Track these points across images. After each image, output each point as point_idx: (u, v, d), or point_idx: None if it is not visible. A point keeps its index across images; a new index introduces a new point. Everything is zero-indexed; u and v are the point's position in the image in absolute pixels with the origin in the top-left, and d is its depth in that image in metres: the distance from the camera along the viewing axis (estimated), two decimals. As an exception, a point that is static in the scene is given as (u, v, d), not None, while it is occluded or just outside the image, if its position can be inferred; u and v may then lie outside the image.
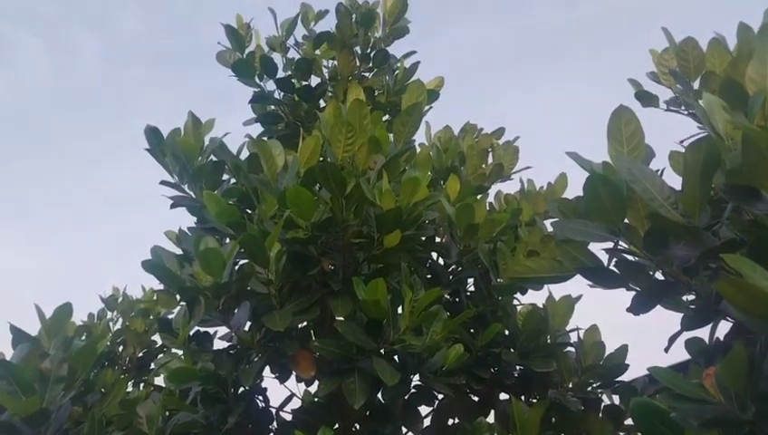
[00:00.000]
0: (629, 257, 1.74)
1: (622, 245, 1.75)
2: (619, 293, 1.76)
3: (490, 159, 3.62)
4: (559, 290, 2.89)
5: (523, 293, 2.98)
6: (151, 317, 4.33)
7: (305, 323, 2.66)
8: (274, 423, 2.81)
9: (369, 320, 2.26)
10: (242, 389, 2.60)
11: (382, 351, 2.35)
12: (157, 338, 4.24)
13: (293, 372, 2.66)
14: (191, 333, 2.25)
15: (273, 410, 2.77)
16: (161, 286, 2.95)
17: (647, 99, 2.44)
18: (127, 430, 2.45)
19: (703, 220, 1.56)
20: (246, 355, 2.42)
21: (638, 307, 1.65)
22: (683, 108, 2.39)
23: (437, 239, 3.09)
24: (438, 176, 3.18)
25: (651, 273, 1.70)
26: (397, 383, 2.37)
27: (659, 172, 1.86)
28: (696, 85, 2.25)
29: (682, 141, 2.34)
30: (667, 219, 1.52)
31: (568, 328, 2.73)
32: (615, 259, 1.77)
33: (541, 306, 2.73)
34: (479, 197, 3.04)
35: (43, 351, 2.41)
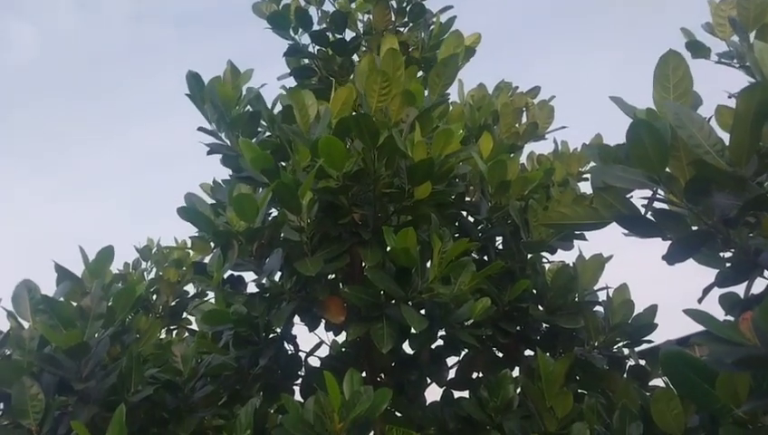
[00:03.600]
0: (668, 207, 1.71)
1: (661, 194, 1.72)
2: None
3: (524, 119, 3.56)
4: (589, 249, 2.87)
5: (553, 252, 2.96)
6: (184, 268, 4.45)
7: (334, 275, 2.71)
8: (303, 370, 2.90)
9: (398, 268, 2.29)
10: (273, 334, 2.68)
11: (410, 301, 2.38)
12: (190, 288, 4.37)
13: (322, 321, 2.72)
14: (225, 276, 2.31)
15: (302, 357, 2.84)
16: (195, 235, 3.04)
17: (698, 49, 2.35)
18: (162, 367, 2.55)
19: (749, 170, 1.52)
20: (278, 301, 2.47)
21: (673, 256, 1.63)
22: (735, 61, 2.30)
23: (467, 199, 3.08)
24: (471, 134, 3.15)
25: (689, 223, 1.67)
26: (423, 332, 2.41)
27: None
28: (752, 37, 2.16)
29: (731, 95, 2.26)
30: (712, 166, 1.48)
31: (597, 287, 2.72)
32: (653, 209, 1.75)
33: (570, 265, 2.72)
34: (512, 155, 3.01)
35: (84, 290, 2.52)
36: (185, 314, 4.31)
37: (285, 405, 2.14)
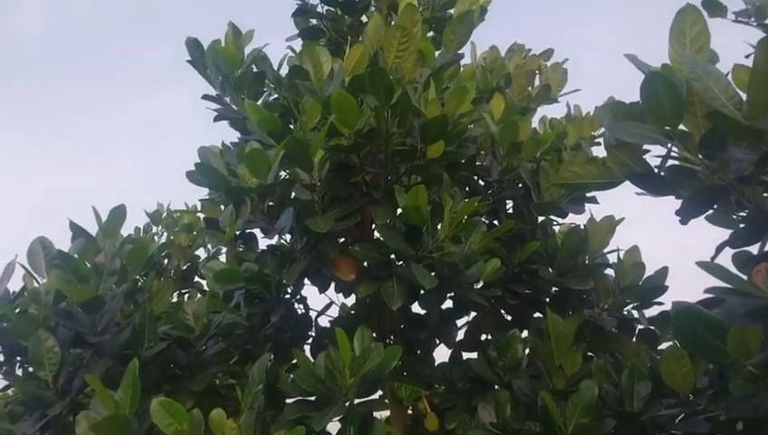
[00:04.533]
0: (681, 164, 1.69)
1: (675, 151, 1.70)
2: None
3: (537, 82, 3.51)
4: (600, 211, 2.85)
5: (564, 216, 2.94)
6: (195, 232, 4.48)
7: (345, 238, 2.72)
8: (313, 330, 2.93)
9: (409, 227, 2.29)
10: (284, 293, 2.70)
11: (420, 261, 2.38)
12: (201, 252, 4.41)
13: (333, 284, 2.74)
14: (237, 233, 2.32)
15: (313, 317, 2.87)
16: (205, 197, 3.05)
17: (714, 8, 2.30)
18: (174, 324, 2.58)
19: (767, 123, 1.49)
20: (289, 259, 2.48)
21: (687, 212, 1.62)
22: (752, 19, 2.25)
23: (478, 163, 3.06)
24: (483, 96, 3.11)
25: (703, 180, 1.65)
26: (433, 291, 2.42)
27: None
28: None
29: (748, 55, 2.21)
30: (728, 118, 1.45)
31: (608, 250, 2.71)
32: (666, 166, 1.73)
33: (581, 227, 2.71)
34: (524, 117, 2.97)
35: (98, 248, 2.54)
36: (196, 279, 4.36)
37: (297, 360, 2.17)
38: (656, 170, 1.74)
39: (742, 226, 1.75)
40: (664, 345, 2.74)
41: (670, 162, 1.72)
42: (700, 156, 1.61)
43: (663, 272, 2.60)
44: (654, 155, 1.78)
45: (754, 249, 1.75)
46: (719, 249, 1.72)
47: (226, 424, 2.05)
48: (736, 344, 1.50)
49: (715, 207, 1.72)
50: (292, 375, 2.43)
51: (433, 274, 2.50)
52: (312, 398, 2.14)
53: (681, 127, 1.63)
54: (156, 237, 4.60)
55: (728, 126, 1.48)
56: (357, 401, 2.10)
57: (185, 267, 4.40)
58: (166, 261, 4.45)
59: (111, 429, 1.87)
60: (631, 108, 1.78)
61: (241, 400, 2.00)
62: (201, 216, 4.61)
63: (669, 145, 1.67)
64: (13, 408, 2.73)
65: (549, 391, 2.15)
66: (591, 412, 2.06)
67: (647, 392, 2.18)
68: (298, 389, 2.12)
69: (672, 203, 1.68)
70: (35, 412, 2.34)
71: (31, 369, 2.32)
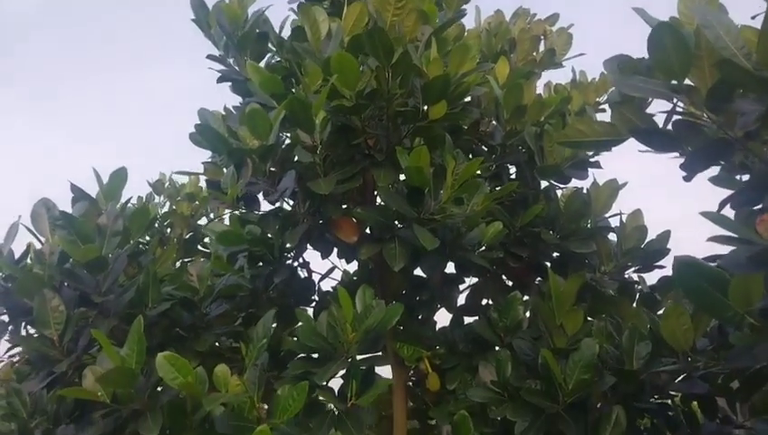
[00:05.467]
0: (687, 119, 1.68)
1: (681, 107, 1.68)
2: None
3: (542, 48, 3.47)
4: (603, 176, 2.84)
5: (566, 181, 2.94)
6: (197, 202, 4.49)
7: (347, 204, 2.72)
8: (316, 295, 2.95)
9: (411, 189, 2.28)
10: (287, 254, 2.72)
11: (422, 224, 2.38)
12: (203, 222, 4.42)
13: (335, 249, 2.75)
14: (239, 195, 2.32)
15: (316, 281, 2.89)
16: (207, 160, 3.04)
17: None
18: (178, 285, 2.60)
19: (776, 73, 1.47)
20: (292, 222, 2.49)
21: (691, 166, 1.61)
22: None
23: (482, 129, 3.04)
24: (487, 61, 3.08)
25: (709, 135, 1.64)
26: (435, 253, 2.43)
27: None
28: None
29: (754, 16, 2.18)
30: (737, 67, 1.44)
31: (611, 214, 2.70)
32: (672, 122, 1.72)
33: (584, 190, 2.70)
34: (528, 80, 2.94)
35: (99, 211, 2.54)
36: (199, 248, 4.38)
37: (299, 318, 2.19)
38: (661, 126, 1.73)
39: (746, 182, 1.74)
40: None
41: (676, 119, 1.70)
42: (706, 110, 1.59)
43: (665, 235, 2.60)
44: (659, 111, 1.77)
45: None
46: (722, 205, 1.71)
47: (230, 380, 2.08)
48: (738, 296, 1.51)
49: (720, 163, 1.72)
50: (296, 338, 2.46)
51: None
52: (315, 355, 2.16)
53: (687, 82, 1.62)
54: (158, 207, 4.62)
55: (736, 74, 1.46)
56: (359, 357, 2.13)
57: (187, 236, 4.42)
58: (168, 230, 4.47)
59: (117, 381, 1.90)
60: (638, 63, 1.76)
61: (245, 355, 2.02)
62: (203, 186, 4.63)
63: (675, 100, 1.66)
64: (19, 368, 2.77)
65: (550, 349, 2.16)
66: (592, 369, 2.08)
67: (647, 352, 2.20)
68: (301, 346, 2.15)
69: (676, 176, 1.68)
70: (41, 371, 2.38)
71: (35, 331, 2.34)
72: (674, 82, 1.60)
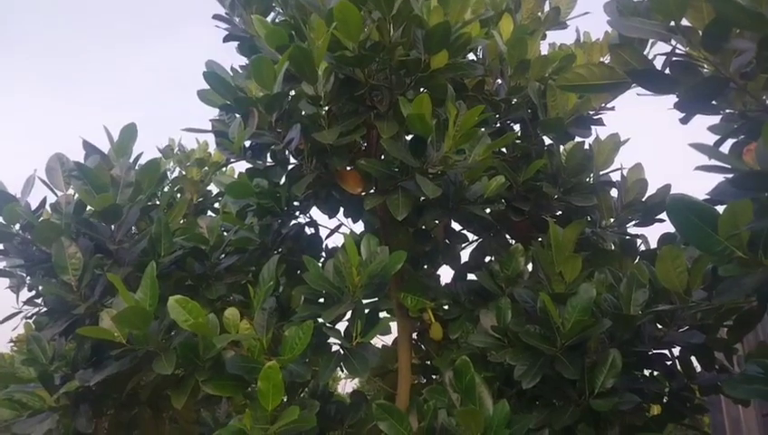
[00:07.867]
0: (684, 60, 1.71)
1: (679, 48, 1.71)
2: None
3: (546, 8, 3.47)
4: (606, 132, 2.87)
5: (570, 139, 2.97)
6: (206, 168, 4.56)
7: (351, 159, 2.77)
8: (323, 253, 3.02)
9: (414, 138, 2.33)
10: (294, 210, 2.78)
11: (425, 174, 2.43)
12: (212, 187, 4.50)
13: (341, 209, 2.81)
14: (246, 144, 2.38)
15: (323, 238, 2.96)
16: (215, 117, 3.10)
17: None
18: (189, 235, 2.68)
19: (770, 9, 1.50)
20: (298, 175, 2.55)
21: (685, 105, 1.64)
22: None
23: (486, 88, 3.07)
24: (491, 18, 3.09)
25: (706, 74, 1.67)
26: (438, 205, 2.49)
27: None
28: None
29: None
30: (731, 3, 1.46)
31: (612, 168, 2.74)
32: (670, 63, 1.75)
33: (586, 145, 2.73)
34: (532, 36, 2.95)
35: (111, 165, 2.62)
36: (209, 214, 4.46)
37: (307, 265, 2.26)
38: (659, 68, 1.76)
39: (743, 124, 1.77)
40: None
41: (673, 60, 1.73)
42: (702, 50, 1.62)
43: (665, 189, 2.63)
44: (658, 54, 1.80)
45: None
46: (718, 145, 1.75)
47: (240, 324, 2.17)
48: (726, 229, 1.55)
49: (714, 103, 1.75)
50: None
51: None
52: (322, 299, 2.24)
53: (685, 22, 1.65)
54: (168, 172, 4.69)
55: (732, 13, 1.49)
56: (364, 302, 2.20)
57: (197, 202, 4.50)
58: (178, 196, 4.55)
59: (132, 320, 1.99)
60: (637, 5, 1.79)
61: (253, 297, 2.10)
62: (212, 152, 4.70)
63: (673, 42, 1.69)
64: (38, 318, 2.88)
65: (549, 295, 2.22)
66: (589, 312, 2.14)
67: (644, 299, 2.25)
68: (308, 290, 2.22)
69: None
70: (60, 319, 2.48)
71: (54, 278, 2.44)
72: (672, 23, 1.63)
